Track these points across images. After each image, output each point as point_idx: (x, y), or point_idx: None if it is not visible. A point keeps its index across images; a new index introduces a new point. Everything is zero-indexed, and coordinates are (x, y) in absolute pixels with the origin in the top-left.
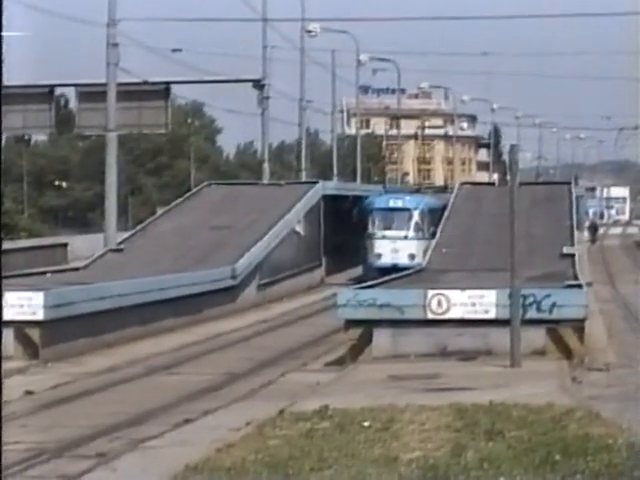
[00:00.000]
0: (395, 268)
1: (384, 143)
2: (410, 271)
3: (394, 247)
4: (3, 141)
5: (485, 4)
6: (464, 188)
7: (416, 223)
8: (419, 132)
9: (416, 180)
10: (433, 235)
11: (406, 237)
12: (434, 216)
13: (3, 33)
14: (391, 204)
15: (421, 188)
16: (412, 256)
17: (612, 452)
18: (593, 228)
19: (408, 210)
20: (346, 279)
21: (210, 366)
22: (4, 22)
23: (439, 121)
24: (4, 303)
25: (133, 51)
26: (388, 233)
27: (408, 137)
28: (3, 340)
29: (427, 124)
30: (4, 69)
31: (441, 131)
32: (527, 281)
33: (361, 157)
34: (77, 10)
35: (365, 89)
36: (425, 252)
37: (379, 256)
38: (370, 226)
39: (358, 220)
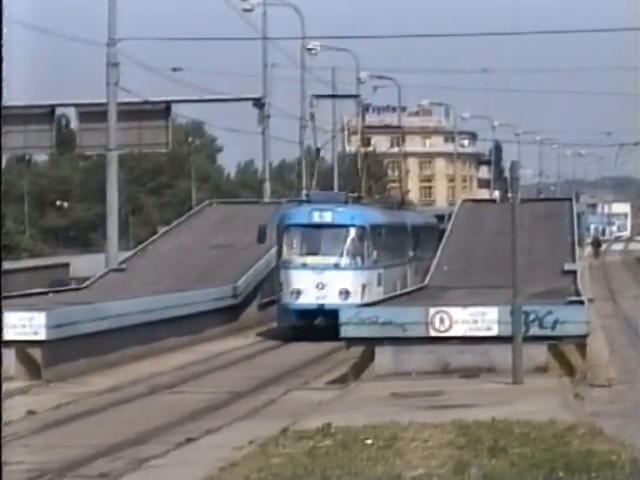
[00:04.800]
0: (321, 311)
1: (385, 161)
2: (412, 288)
3: (320, 281)
4: (3, 162)
5: (485, 21)
6: (466, 205)
7: (352, 246)
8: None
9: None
10: (376, 263)
11: (337, 266)
12: (382, 237)
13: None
14: (315, 218)
15: (362, 197)
16: (345, 293)
17: (615, 468)
18: (596, 243)
19: (342, 227)
20: None
21: (212, 385)
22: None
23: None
24: (4, 323)
25: (133, 70)
26: (311, 260)
27: (410, 154)
28: (4, 361)
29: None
30: (4, 89)
31: (442, 148)
32: (529, 298)
33: (362, 175)
34: (77, 30)
35: (366, 107)
36: (366, 288)
37: (297, 294)
38: (285, 250)
39: (266, 241)
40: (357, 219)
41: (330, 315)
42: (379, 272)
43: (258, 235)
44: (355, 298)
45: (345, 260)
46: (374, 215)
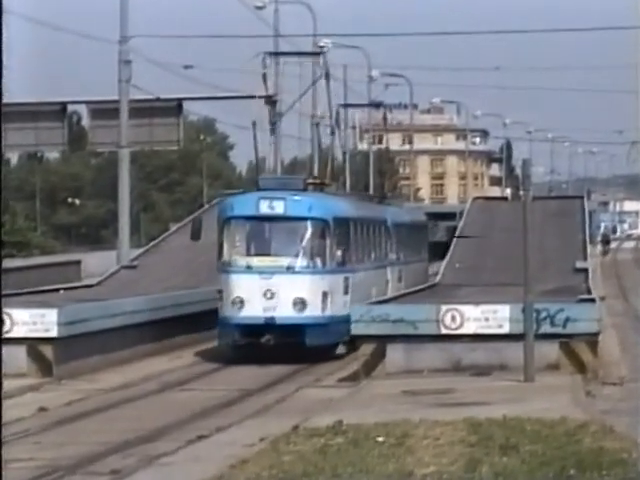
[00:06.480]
0: (270, 327)
1: (397, 158)
2: (423, 286)
3: (268, 288)
4: (15, 159)
5: (497, 19)
6: (477, 202)
7: (311, 244)
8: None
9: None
10: (341, 265)
11: (291, 269)
12: (350, 234)
13: (5, 37)
14: (264, 209)
15: (325, 184)
16: (301, 303)
17: (626, 466)
18: (605, 241)
19: (297, 220)
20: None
21: (223, 382)
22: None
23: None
24: (15, 320)
25: (145, 68)
26: (258, 262)
27: (421, 152)
28: (16, 358)
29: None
30: (6, 85)
31: (454, 146)
32: (540, 296)
33: (374, 172)
34: (89, 27)
35: (377, 105)
36: (327, 296)
37: (240, 304)
38: (226, 249)
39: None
40: (317, 210)
41: (281, 331)
42: (345, 277)
43: (192, 230)
44: (314, 309)
45: (301, 262)
46: (340, 207)
